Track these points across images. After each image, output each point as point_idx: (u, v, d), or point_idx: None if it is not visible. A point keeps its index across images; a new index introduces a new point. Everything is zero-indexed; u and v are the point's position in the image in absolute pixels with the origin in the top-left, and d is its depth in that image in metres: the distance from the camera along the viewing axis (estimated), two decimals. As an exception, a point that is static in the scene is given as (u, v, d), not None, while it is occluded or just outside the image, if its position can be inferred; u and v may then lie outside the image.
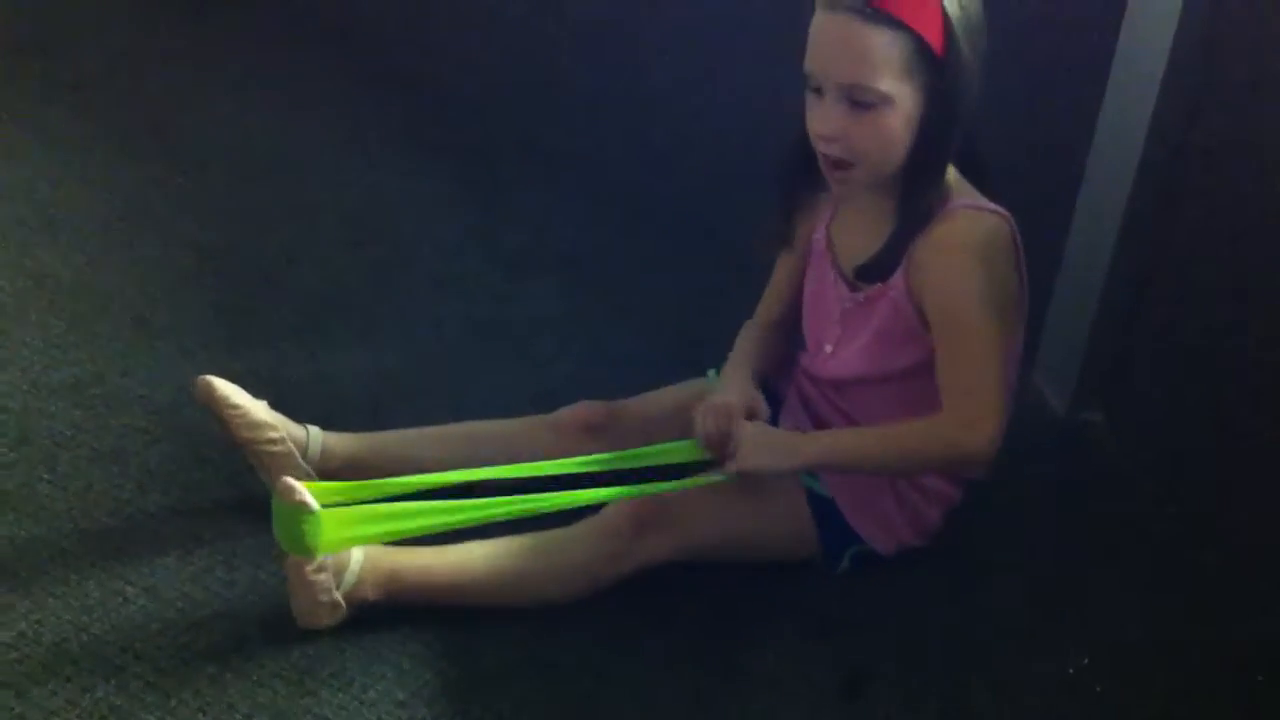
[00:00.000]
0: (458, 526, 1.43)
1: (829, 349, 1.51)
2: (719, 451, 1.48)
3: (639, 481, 1.49)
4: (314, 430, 1.57)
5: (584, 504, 1.47)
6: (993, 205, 1.40)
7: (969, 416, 1.36)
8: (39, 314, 1.91)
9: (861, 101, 1.31)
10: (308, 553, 1.37)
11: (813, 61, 1.33)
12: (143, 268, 2.04)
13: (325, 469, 1.54)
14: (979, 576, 1.58)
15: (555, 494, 1.46)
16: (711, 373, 1.62)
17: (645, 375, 1.68)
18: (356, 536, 1.40)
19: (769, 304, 1.62)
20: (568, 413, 1.61)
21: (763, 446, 1.44)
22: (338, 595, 1.40)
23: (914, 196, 1.37)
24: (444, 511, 1.43)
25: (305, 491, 1.35)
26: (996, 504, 1.62)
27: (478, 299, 2.06)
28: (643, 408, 1.63)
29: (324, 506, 1.36)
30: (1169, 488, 1.70)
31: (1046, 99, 1.82)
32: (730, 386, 1.52)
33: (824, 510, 1.50)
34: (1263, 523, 1.61)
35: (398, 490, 1.46)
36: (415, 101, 2.59)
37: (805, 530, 1.50)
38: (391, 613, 1.44)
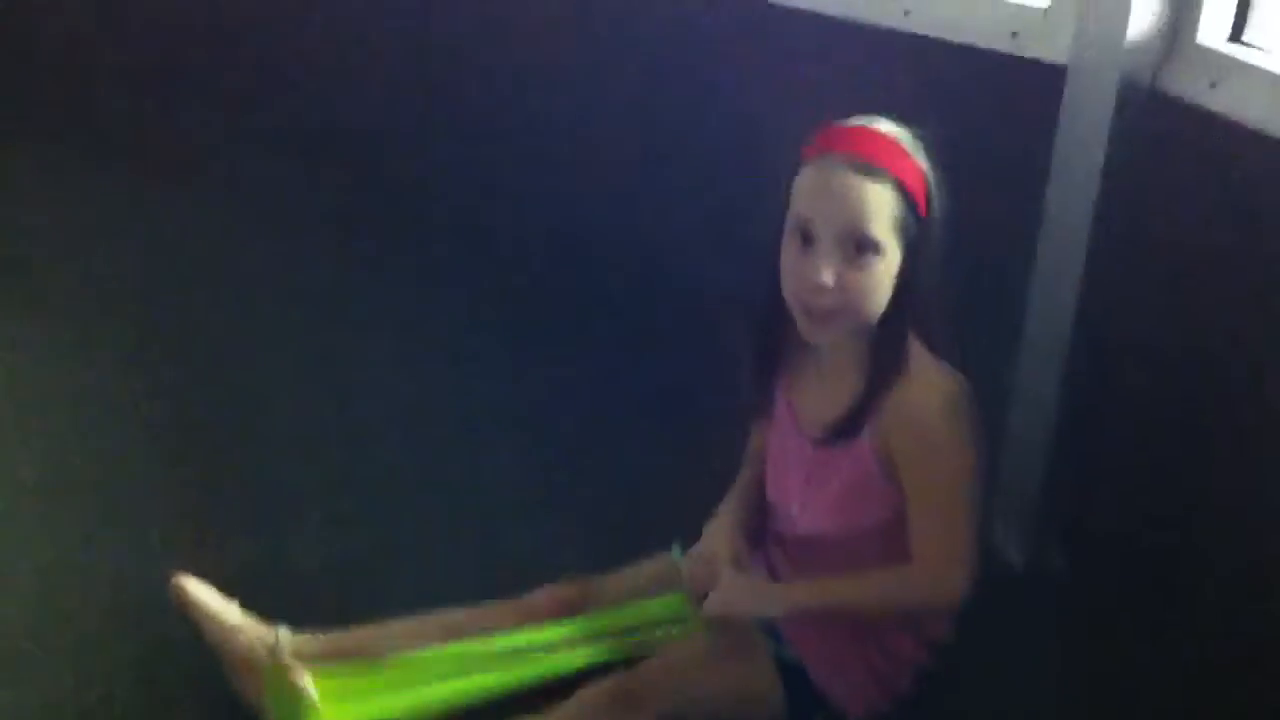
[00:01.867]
0: (453, 704, 1.45)
1: (795, 510, 1.54)
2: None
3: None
4: (283, 632, 1.57)
5: (574, 669, 1.48)
6: (949, 367, 1.45)
7: (940, 566, 1.41)
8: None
9: (861, 247, 1.36)
10: None
11: (811, 209, 1.38)
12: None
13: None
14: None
15: (546, 657, 1.48)
16: (676, 548, 1.65)
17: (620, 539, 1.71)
18: None
19: (753, 465, 1.64)
20: (541, 595, 1.61)
21: (742, 591, 1.47)
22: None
23: (885, 351, 1.42)
24: (431, 681, 1.46)
25: (309, 683, 1.40)
26: (963, 661, 1.62)
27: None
28: (615, 584, 1.63)
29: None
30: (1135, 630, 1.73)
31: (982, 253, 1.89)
32: (714, 537, 1.55)
33: (792, 676, 1.51)
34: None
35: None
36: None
37: (774, 696, 1.50)
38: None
